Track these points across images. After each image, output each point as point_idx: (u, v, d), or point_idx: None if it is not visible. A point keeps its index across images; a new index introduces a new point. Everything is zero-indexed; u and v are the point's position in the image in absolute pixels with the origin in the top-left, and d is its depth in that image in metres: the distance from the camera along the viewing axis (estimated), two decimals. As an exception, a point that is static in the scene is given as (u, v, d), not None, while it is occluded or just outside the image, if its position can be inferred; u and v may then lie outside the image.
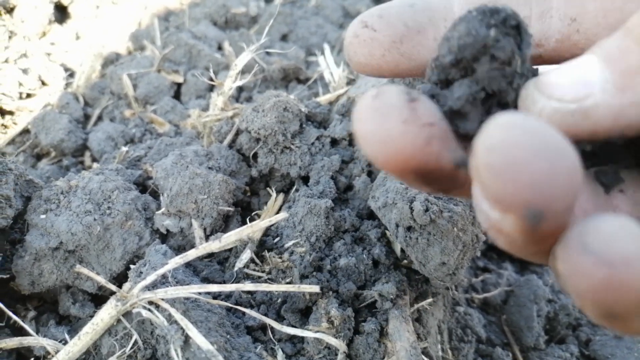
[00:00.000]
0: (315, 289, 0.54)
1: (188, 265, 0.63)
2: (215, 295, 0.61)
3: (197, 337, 0.49)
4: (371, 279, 0.62)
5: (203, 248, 0.53)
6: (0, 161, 0.62)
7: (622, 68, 0.28)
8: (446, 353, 0.67)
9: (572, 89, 0.29)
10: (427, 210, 0.54)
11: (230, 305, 0.55)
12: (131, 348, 0.53)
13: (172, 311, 0.51)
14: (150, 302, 0.53)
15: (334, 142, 0.75)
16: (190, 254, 0.53)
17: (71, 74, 0.96)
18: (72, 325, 0.64)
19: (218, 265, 0.65)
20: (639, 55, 0.27)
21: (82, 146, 0.85)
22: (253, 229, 0.55)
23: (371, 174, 0.73)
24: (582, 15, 0.36)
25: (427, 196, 0.56)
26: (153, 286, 0.54)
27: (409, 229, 0.56)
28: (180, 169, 0.65)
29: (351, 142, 0.75)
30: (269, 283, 0.60)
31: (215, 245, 0.54)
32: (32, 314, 0.66)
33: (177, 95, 0.92)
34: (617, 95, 0.27)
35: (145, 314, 0.51)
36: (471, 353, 0.73)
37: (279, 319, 0.60)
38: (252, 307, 0.60)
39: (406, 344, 0.56)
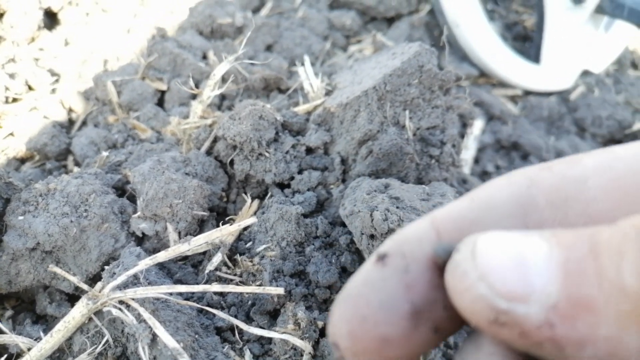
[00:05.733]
0: (280, 290, 0.57)
1: (162, 267, 0.65)
2: (188, 297, 0.63)
3: (164, 336, 0.51)
4: (339, 283, 0.64)
5: (172, 250, 0.55)
6: (-19, 163, 0.64)
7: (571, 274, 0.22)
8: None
9: (510, 276, 0.23)
10: (386, 219, 0.56)
11: (200, 306, 0.57)
12: (102, 346, 0.55)
13: (141, 310, 0.53)
14: (121, 302, 0.55)
15: (309, 151, 0.77)
16: (160, 256, 0.55)
17: (57, 80, 0.98)
18: (49, 324, 0.66)
19: (192, 268, 0.67)
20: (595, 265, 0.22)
21: (65, 150, 0.87)
22: (222, 233, 0.57)
23: (345, 181, 0.76)
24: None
25: (388, 206, 0.58)
26: (124, 286, 0.56)
27: (372, 237, 0.58)
28: (157, 174, 0.67)
29: (326, 150, 0.78)
30: (241, 285, 0.62)
31: (184, 247, 0.56)
32: (9, 313, 0.68)
33: (160, 103, 0.94)
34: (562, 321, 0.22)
35: (115, 312, 0.53)
36: (438, 357, 0.75)
37: (248, 320, 0.62)
38: (222, 308, 0.62)
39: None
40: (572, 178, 0.30)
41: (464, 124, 1.13)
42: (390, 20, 1.30)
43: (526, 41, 1.47)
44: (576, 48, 1.31)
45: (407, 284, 0.27)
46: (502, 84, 1.32)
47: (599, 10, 1.26)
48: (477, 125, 1.11)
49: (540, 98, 1.31)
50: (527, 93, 1.33)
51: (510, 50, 1.26)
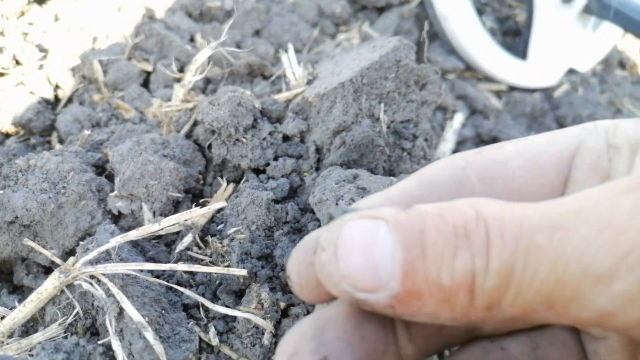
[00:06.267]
0: (243, 272, 0.59)
1: (136, 245, 0.68)
2: (159, 275, 0.66)
3: (130, 310, 0.54)
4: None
5: (143, 229, 0.58)
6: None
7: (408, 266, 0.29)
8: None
9: (363, 275, 0.30)
10: (348, 207, 0.58)
11: (167, 283, 0.60)
12: (73, 317, 0.58)
13: (110, 285, 0.56)
14: (92, 276, 0.58)
15: (286, 138, 0.79)
16: (131, 234, 0.58)
17: (45, 55, 1.00)
18: (25, 295, 0.69)
19: (165, 247, 0.70)
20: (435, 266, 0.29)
21: (49, 127, 0.89)
22: (192, 215, 0.60)
23: (319, 169, 0.78)
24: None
25: (353, 195, 0.61)
26: (96, 262, 0.59)
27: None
28: (135, 155, 0.69)
29: (302, 139, 0.80)
30: (209, 265, 0.65)
31: (154, 227, 0.59)
32: (-13, 282, 0.71)
33: (146, 83, 0.96)
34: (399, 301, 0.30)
35: (85, 286, 0.56)
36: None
37: (215, 299, 0.65)
38: (191, 287, 0.65)
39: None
40: (497, 160, 0.40)
41: (446, 117, 1.15)
42: (380, 10, 1.31)
43: (517, 36, 1.48)
44: (563, 46, 1.33)
45: None
46: (488, 79, 1.34)
47: (587, 10, 1.27)
48: (458, 119, 1.13)
49: (524, 94, 1.33)
50: (512, 89, 1.35)
51: (497, 46, 1.28)
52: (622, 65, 1.69)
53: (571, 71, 1.43)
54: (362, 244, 0.30)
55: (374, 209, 0.31)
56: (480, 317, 0.29)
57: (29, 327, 0.63)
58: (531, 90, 1.36)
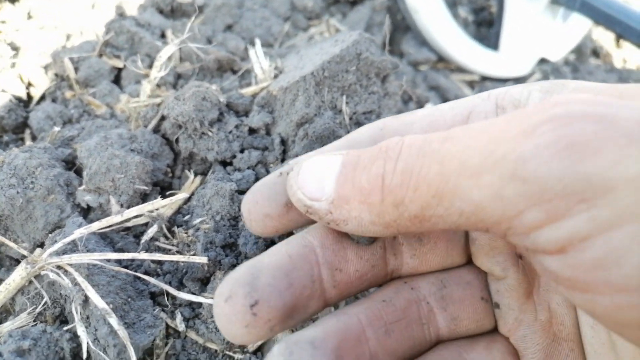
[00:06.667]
0: (204, 260, 0.62)
1: (105, 237, 0.70)
2: (127, 265, 0.68)
3: (94, 297, 0.56)
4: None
5: (106, 221, 0.60)
6: None
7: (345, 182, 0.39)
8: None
9: (312, 188, 0.40)
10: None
11: (132, 272, 0.62)
12: (42, 306, 0.61)
13: (76, 275, 0.58)
14: (59, 267, 0.60)
15: (252, 131, 0.82)
16: (94, 226, 0.60)
17: (17, 54, 1.01)
18: (-2, 287, 0.71)
19: (133, 238, 0.72)
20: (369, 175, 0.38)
21: (22, 124, 0.90)
22: (154, 206, 0.63)
23: (284, 160, 0.81)
24: None
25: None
26: (63, 253, 0.61)
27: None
28: (101, 150, 0.72)
29: (268, 131, 0.83)
30: (173, 254, 0.67)
31: (117, 218, 0.61)
32: (-38, 276, 0.73)
33: (117, 80, 0.98)
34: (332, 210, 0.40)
35: (52, 276, 0.59)
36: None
37: (181, 286, 0.67)
38: (158, 275, 0.68)
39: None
40: (406, 123, 0.48)
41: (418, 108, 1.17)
42: (353, 4, 1.33)
43: (492, 27, 1.51)
44: (533, 36, 1.36)
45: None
46: (461, 69, 1.36)
47: (554, 1, 1.30)
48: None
49: (496, 84, 1.36)
50: (485, 79, 1.38)
51: (468, 37, 1.30)
52: (595, 54, 1.72)
53: (543, 61, 1.45)
54: (316, 167, 0.41)
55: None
56: (392, 217, 0.36)
57: (1, 319, 0.66)
58: (503, 80, 1.39)
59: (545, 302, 0.47)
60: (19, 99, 0.94)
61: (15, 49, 1.02)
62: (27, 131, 0.91)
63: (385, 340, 0.44)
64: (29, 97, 0.96)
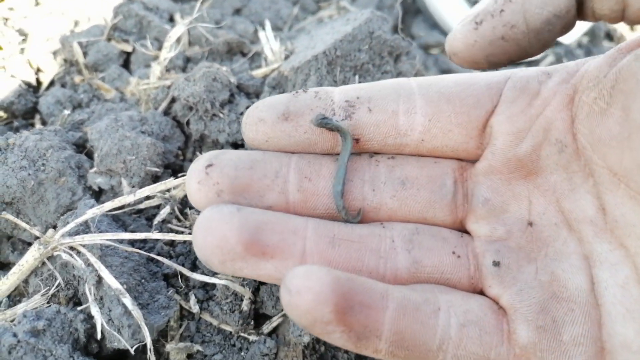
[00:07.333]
0: (218, 240, 0.61)
1: (117, 220, 0.70)
2: (141, 247, 0.68)
3: (108, 277, 0.55)
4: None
5: (118, 200, 0.59)
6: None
7: None
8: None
9: None
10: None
11: (145, 253, 0.62)
12: (55, 288, 0.60)
13: (89, 255, 0.57)
14: (72, 248, 0.59)
15: (263, 113, 0.80)
16: (106, 206, 0.59)
17: (26, 39, 1.00)
18: (11, 270, 0.70)
19: (146, 220, 0.72)
20: None
21: (32, 109, 0.90)
22: (166, 185, 0.62)
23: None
24: (438, 115, 0.50)
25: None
26: (75, 234, 0.60)
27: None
28: (112, 132, 0.71)
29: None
30: (185, 236, 0.67)
31: (129, 198, 0.60)
32: (-25, 260, 0.73)
33: (126, 64, 0.97)
34: None
35: (65, 257, 0.58)
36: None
37: (195, 268, 0.67)
38: (171, 257, 0.67)
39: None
40: (438, 78, 0.52)
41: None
42: (362, -14, 1.31)
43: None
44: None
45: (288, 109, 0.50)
46: (472, 53, 1.34)
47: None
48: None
49: (507, 66, 1.34)
50: (496, 62, 1.35)
51: (479, 19, 1.27)
52: (609, 36, 1.69)
53: (556, 43, 1.43)
54: None
55: None
56: None
57: (15, 301, 0.65)
58: (515, 63, 1.37)
59: (549, 268, 0.46)
60: (29, 85, 0.93)
61: (23, 35, 1.01)
62: (37, 116, 0.90)
63: (326, 249, 0.45)
64: (38, 82, 0.96)
